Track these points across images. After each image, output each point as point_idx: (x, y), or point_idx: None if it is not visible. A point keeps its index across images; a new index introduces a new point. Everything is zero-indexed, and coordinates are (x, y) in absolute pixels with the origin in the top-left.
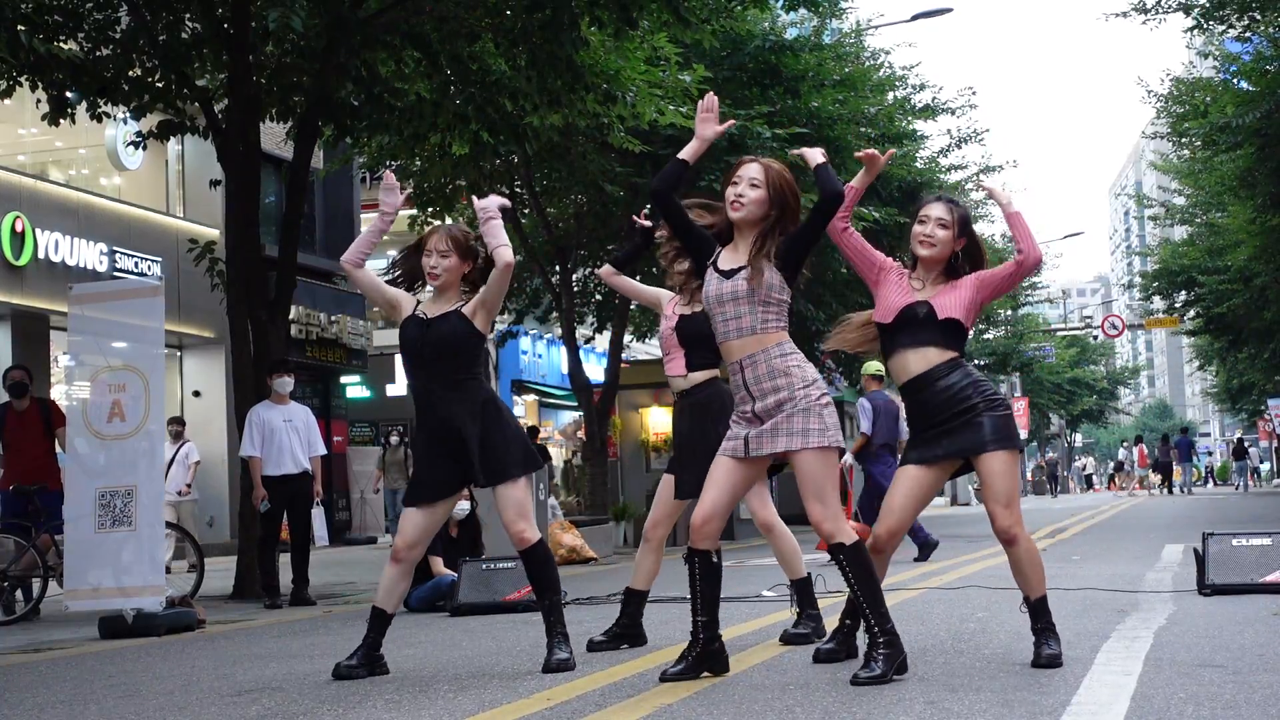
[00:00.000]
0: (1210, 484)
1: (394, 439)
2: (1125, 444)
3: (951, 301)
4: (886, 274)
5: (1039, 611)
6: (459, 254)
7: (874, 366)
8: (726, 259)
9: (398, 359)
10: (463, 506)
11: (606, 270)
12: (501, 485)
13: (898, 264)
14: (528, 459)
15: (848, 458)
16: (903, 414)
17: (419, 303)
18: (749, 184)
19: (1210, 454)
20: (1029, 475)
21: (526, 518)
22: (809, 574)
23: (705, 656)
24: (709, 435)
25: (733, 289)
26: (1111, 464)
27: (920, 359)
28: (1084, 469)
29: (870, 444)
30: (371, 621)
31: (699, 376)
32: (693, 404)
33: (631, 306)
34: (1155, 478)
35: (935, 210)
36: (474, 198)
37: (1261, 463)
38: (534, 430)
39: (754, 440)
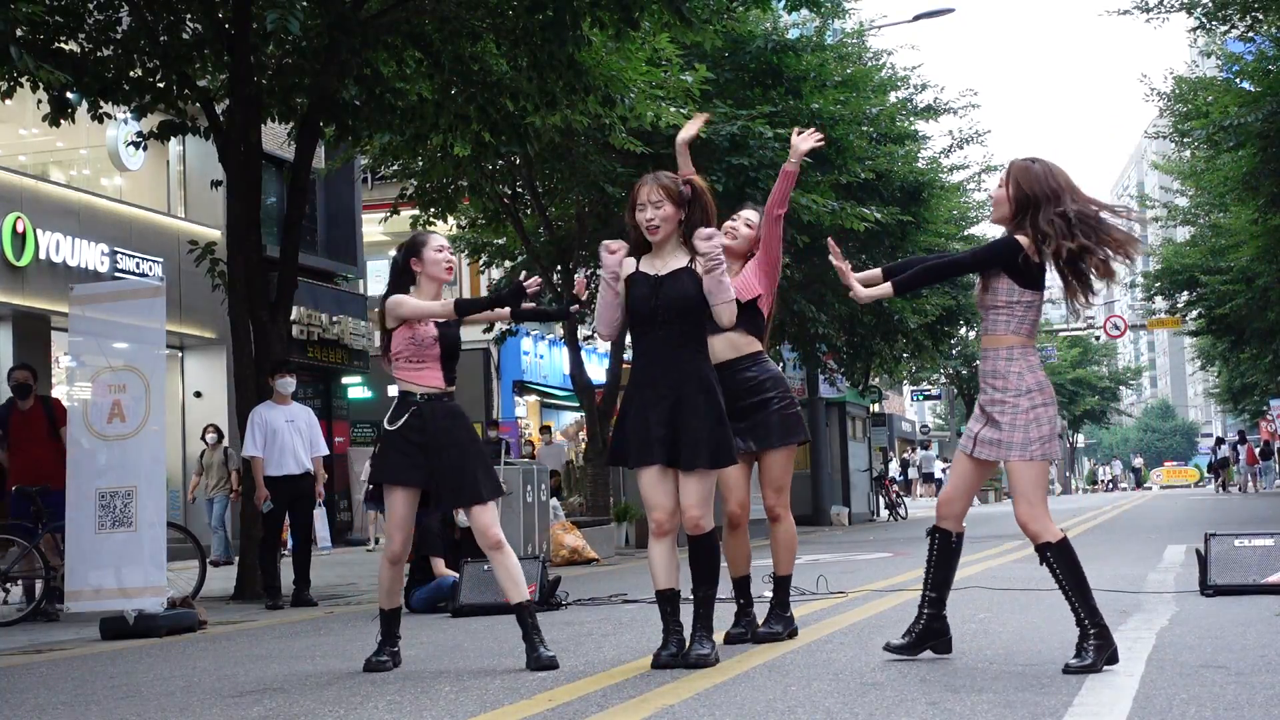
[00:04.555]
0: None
1: (210, 436)
2: (1222, 443)
3: (743, 284)
4: None
5: (780, 587)
6: (673, 202)
7: None
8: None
9: None
10: (465, 519)
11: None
12: (701, 471)
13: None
14: (726, 450)
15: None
16: None
17: (637, 260)
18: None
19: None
20: None
21: (707, 505)
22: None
23: (928, 633)
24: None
25: None
26: (1214, 460)
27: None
28: None
29: None
30: (662, 607)
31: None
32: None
33: None
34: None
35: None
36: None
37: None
38: (496, 424)
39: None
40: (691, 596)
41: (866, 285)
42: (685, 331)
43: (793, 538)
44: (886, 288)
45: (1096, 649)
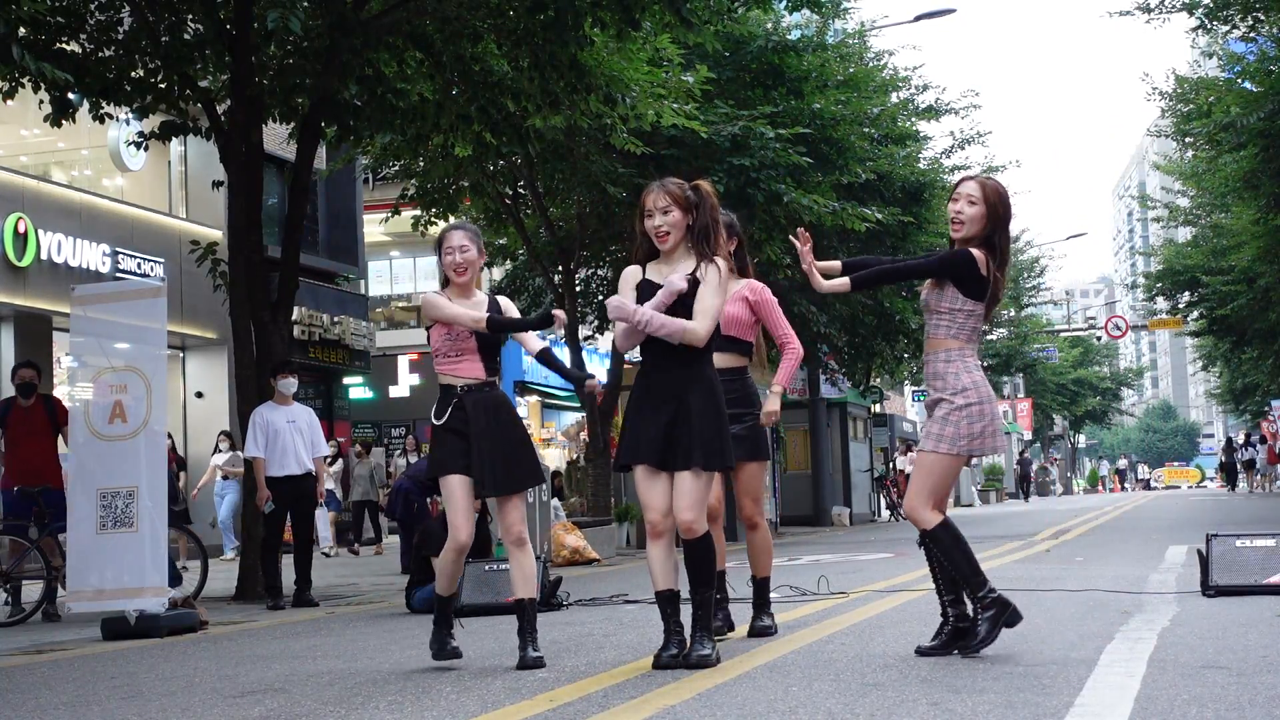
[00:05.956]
0: (1215, 483)
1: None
2: (1248, 445)
3: (741, 326)
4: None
5: (761, 589)
6: (680, 208)
7: None
8: None
9: (400, 360)
10: None
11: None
12: (694, 471)
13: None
14: (726, 452)
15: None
16: None
17: (644, 269)
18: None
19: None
20: (1032, 475)
21: (699, 508)
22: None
23: (958, 633)
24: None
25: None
26: (1232, 460)
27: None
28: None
29: None
30: (662, 608)
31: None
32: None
33: None
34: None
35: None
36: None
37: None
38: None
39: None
40: (690, 598)
41: (826, 275)
42: None
43: (769, 542)
44: (844, 282)
45: (990, 619)
